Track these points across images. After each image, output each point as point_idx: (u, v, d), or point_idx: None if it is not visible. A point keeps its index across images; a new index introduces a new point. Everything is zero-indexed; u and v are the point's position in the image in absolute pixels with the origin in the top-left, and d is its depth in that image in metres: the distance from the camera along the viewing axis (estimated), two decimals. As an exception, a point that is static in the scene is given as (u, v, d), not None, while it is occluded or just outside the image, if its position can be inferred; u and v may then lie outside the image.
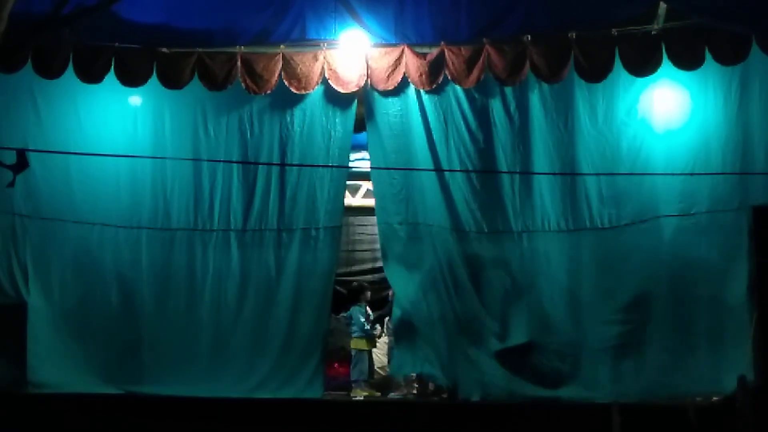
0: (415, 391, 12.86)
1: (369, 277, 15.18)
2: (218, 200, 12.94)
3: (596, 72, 11.87)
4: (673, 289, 11.84)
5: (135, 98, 12.99)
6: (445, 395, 12.25)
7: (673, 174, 11.83)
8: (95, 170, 12.78)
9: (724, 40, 11.41)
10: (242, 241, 12.87)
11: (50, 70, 12.28)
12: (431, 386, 12.56)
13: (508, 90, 12.44)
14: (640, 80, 12.06)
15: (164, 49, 12.40)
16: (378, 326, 13.96)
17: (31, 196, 12.73)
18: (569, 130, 12.39)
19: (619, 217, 12.20)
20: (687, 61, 11.64)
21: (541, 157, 12.43)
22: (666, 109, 12.20)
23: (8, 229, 12.73)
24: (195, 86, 12.49)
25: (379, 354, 13.88)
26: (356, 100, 12.80)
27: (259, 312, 12.69)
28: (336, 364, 13.61)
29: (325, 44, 12.41)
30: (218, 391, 12.02)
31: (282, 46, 12.42)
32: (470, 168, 12.50)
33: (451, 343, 12.26)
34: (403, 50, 12.26)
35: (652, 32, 11.80)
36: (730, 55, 11.48)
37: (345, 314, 13.96)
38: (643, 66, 11.76)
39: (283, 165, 12.79)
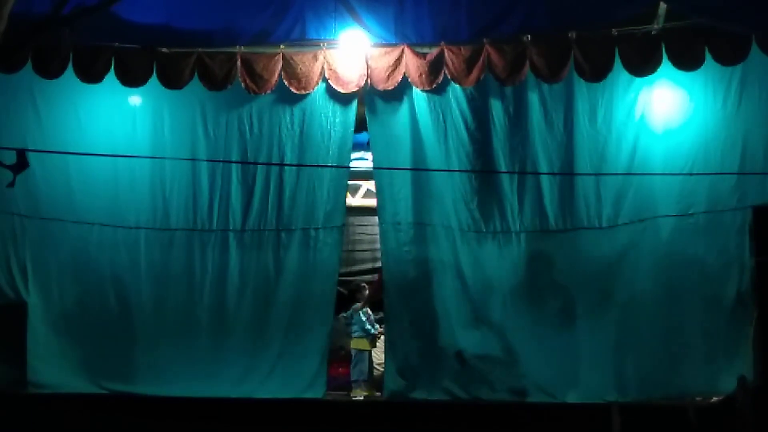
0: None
1: (369, 277, 15.16)
2: (217, 200, 12.93)
3: (596, 72, 11.87)
4: (673, 289, 11.84)
5: (135, 98, 12.98)
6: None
7: (672, 174, 11.84)
8: (95, 170, 12.76)
9: (724, 40, 11.40)
10: (241, 241, 12.86)
11: (50, 70, 12.26)
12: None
13: (508, 90, 12.45)
14: (639, 80, 12.07)
15: (164, 49, 12.39)
16: (378, 326, 13.95)
17: (31, 196, 12.71)
18: (568, 130, 12.40)
19: (617, 216, 12.21)
20: (687, 61, 11.64)
21: (540, 157, 12.44)
22: (665, 109, 12.21)
23: (8, 229, 12.71)
24: (195, 86, 12.48)
25: (379, 353, 13.87)
26: (356, 100, 12.79)
27: (259, 312, 12.68)
28: (336, 364, 13.58)
29: (325, 44, 12.40)
30: (218, 392, 12.01)
31: (282, 46, 12.41)
32: (469, 168, 12.50)
33: (450, 343, 12.28)
34: (403, 50, 12.25)
35: (652, 32, 11.80)
36: (729, 55, 11.49)
37: (345, 314, 13.94)
38: (642, 66, 11.76)
39: (282, 165, 12.78)
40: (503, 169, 12.47)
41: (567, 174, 12.25)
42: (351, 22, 12.33)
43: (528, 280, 12.36)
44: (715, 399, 11.09)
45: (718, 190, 11.81)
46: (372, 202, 13.34)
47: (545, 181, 12.42)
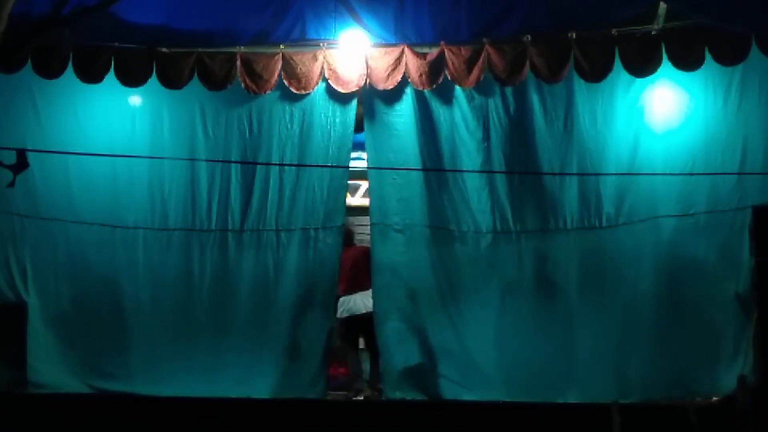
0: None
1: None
2: (216, 200, 12.90)
3: (596, 72, 11.86)
4: (673, 289, 11.84)
5: (134, 98, 12.96)
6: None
7: (672, 174, 11.86)
8: (94, 170, 12.74)
9: (724, 40, 11.40)
10: (240, 241, 12.84)
11: (50, 70, 12.24)
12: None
13: (508, 90, 12.42)
14: (639, 80, 12.05)
15: (164, 49, 12.38)
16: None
17: (31, 196, 12.69)
18: (568, 130, 12.39)
19: (617, 216, 12.21)
20: (687, 61, 11.63)
21: (540, 157, 12.44)
22: (665, 109, 12.19)
23: (7, 229, 12.70)
24: (194, 86, 12.46)
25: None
26: (356, 100, 12.78)
27: (259, 312, 12.65)
28: (336, 364, 13.57)
29: (325, 44, 12.39)
30: (218, 392, 11.99)
31: (282, 46, 12.40)
32: (469, 168, 12.50)
33: (448, 343, 12.27)
34: (403, 50, 12.23)
35: (652, 32, 11.81)
36: (729, 55, 11.48)
37: (345, 314, 13.92)
38: (643, 66, 11.75)
39: (282, 165, 12.77)
40: (503, 169, 12.48)
41: (567, 174, 12.26)
42: (351, 22, 12.33)
43: (528, 280, 12.34)
44: (715, 399, 11.10)
45: (718, 190, 11.81)
46: (372, 202, 13.34)
47: (545, 181, 12.41)
